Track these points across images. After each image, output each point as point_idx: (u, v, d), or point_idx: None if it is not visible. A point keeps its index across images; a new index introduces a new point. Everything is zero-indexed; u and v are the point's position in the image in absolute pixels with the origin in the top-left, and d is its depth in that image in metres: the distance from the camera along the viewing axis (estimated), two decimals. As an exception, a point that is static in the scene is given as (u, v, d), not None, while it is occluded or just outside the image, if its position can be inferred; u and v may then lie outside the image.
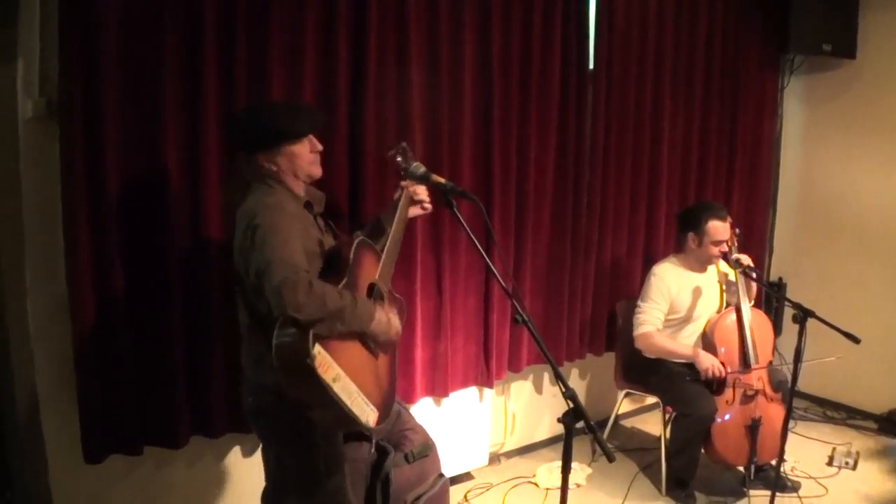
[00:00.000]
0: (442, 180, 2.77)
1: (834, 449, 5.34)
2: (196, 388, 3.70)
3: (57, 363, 3.41)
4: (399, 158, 3.12)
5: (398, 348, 3.18)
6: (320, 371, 2.61)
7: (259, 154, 2.93)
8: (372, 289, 2.96)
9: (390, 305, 3.05)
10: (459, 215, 2.73)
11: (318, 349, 2.63)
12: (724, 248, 4.73)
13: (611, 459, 2.40)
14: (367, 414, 2.77)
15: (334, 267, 2.87)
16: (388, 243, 3.07)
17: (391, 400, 3.04)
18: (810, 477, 4.96)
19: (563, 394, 2.39)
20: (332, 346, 2.70)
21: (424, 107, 4.21)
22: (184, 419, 3.68)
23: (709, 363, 4.57)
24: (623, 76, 5.17)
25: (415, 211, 3.30)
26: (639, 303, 4.92)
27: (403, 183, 3.18)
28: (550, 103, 4.77)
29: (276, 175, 2.95)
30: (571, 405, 2.39)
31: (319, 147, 3.01)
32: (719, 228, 4.72)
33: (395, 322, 2.97)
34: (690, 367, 4.69)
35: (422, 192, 3.27)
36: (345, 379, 2.70)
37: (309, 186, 3.11)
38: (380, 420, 2.86)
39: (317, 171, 3.03)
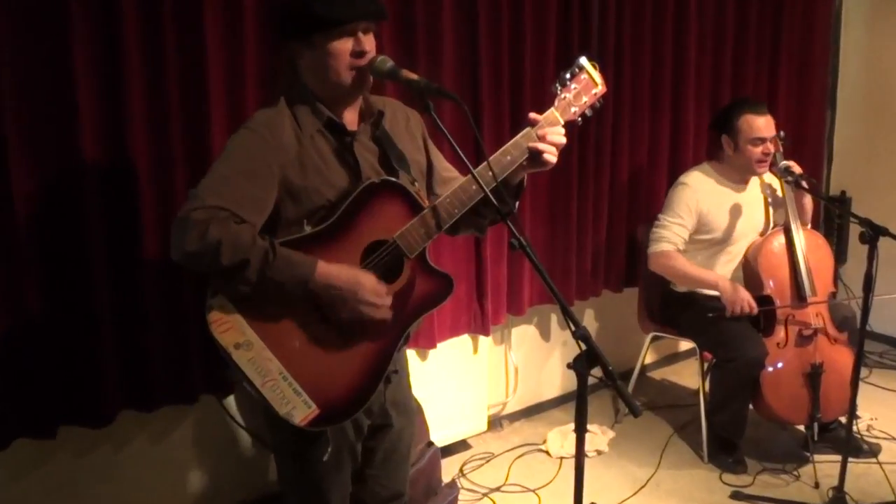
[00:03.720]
0: (414, 76, 2.71)
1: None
2: (125, 347, 3.67)
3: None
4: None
5: (407, 337, 2.96)
6: (213, 327, 2.61)
7: (292, 42, 2.80)
8: (374, 248, 2.78)
9: (407, 279, 2.84)
10: (439, 120, 2.70)
11: (217, 301, 2.63)
12: (769, 147, 4.74)
13: (636, 414, 2.37)
14: (290, 405, 2.67)
15: (334, 209, 2.75)
16: (448, 195, 2.84)
17: (360, 401, 2.82)
18: (892, 438, 5.00)
19: (574, 334, 2.37)
20: (262, 310, 2.65)
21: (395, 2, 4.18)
22: (110, 388, 3.66)
23: (736, 296, 4.58)
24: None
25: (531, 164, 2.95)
26: (659, 216, 4.95)
27: (534, 116, 2.92)
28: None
29: (304, 76, 2.83)
30: (584, 347, 2.36)
31: (366, 48, 2.76)
32: (756, 122, 4.74)
33: (373, 296, 2.71)
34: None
35: (554, 136, 2.90)
36: (259, 351, 2.64)
37: (368, 98, 2.95)
38: (319, 421, 2.72)
39: (349, 79, 2.77)
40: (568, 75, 2.96)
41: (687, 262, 4.81)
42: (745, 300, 4.56)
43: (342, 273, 2.68)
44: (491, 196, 2.70)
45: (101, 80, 3.48)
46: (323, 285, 2.65)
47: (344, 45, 2.74)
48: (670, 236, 4.83)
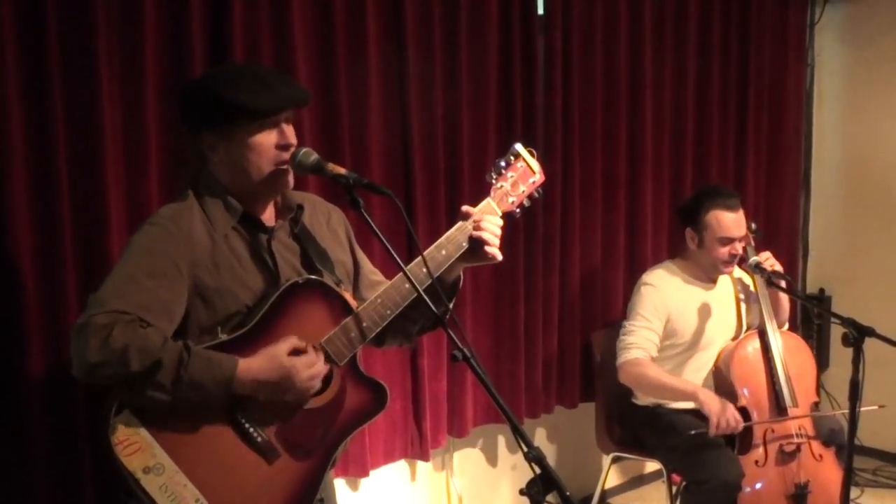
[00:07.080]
0: (342, 171, 2.75)
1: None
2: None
3: None
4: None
5: (331, 453, 2.99)
6: (118, 449, 2.58)
7: (204, 133, 2.83)
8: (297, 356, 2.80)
9: (336, 390, 2.88)
10: (369, 218, 2.74)
11: (122, 419, 2.59)
12: (736, 248, 4.76)
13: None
14: None
15: (251, 313, 2.78)
16: (379, 295, 2.90)
17: None
18: (888, 567, 4.98)
19: (526, 455, 2.41)
20: (173, 427, 2.64)
21: (316, 85, 4.22)
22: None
23: (719, 409, 4.50)
24: (586, 19, 5.23)
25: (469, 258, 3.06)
26: (624, 322, 4.95)
27: (467, 209, 3.03)
28: (487, 63, 4.83)
29: (216, 169, 2.86)
30: (538, 470, 2.39)
31: (292, 140, 2.84)
32: (726, 220, 4.74)
33: (308, 371, 2.73)
34: (699, 414, 4.65)
35: (489, 224, 3.04)
36: (172, 475, 2.61)
37: (285, 192, 2.98)
38: None
39: (271, 175, 2.83)
40: (503, 163, 3.09)
41: (661, 371, 4.78)
42: (731, 414, 4.46)
43: (265, 363, 2.68)
44: (424, 295, 2.73)
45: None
46: (251, 383, 2.64)
47: (267, 138, 2.78)
48: (639, 342, 4.80)
